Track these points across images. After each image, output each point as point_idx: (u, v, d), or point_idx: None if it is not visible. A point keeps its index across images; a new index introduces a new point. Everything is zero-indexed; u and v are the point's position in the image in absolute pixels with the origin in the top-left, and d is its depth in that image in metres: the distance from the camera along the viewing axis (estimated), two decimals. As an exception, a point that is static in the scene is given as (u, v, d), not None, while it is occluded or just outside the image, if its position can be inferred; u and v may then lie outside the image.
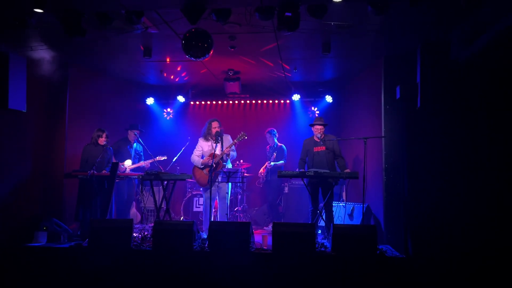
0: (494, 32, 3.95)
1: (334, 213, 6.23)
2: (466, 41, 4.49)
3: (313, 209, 6.07)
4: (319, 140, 6.22)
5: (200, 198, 7.85)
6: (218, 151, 6.28)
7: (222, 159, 6.29)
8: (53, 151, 6.57)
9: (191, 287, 4.81)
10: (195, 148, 6.58)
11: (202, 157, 6.45)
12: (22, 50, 5.64)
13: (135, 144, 7.31)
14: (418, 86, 5.07)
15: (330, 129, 7.15)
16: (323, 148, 6.19)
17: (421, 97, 5.01)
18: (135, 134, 7.15)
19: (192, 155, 6.54)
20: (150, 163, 7.25)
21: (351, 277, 4.64)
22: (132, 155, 7.24)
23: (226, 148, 6.24)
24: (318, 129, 6.21)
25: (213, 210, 6.68)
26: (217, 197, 6.50)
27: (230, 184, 6.40)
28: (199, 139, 6.59)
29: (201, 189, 6.68)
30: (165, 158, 7.43)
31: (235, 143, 6.26)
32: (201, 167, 6.40)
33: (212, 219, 6.25)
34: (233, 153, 6.50)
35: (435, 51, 4.97)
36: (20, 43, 5.54)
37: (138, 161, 7.31)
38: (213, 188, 6.24)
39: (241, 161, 7.94)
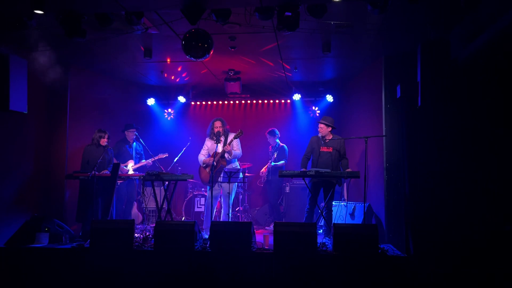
0: (494, 31, 3.94)
1: (335, 212, 6.22)
2: (466, 40, 4.49)
3: (310, 208, 6.02)
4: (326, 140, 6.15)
5: (201, 198, 7.88)
6: (219, 150, 6.33)
7: (224, 158, 6.30)
8: (54, 152, 6.59)
9: (192, 287, 4.82)
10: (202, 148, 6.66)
11: (208, 156, 6.52)
12: (23, 52, 5.65)
13: (134, 143, 7.33)
14: (419, 85, 5.06)
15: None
16: (330, 149, 6.09)
17: (421, 96, 5.00)
18: (135, 134, 7.18)
19: (199, 155, 6.62)
20: (152, 161, 7.27)
21: (352, 277, 4.64)
22: (134, 155, 7.25)
23: (226, 146, 6.27)
24: (319, 127, 6.17)
25: (215, 210, 6.70)
26: (221, 195, 6.55)
27: (235, 184, 6.41)
28: (206, 138, 6.66)
29: (202, 189, 6.72)
30: (167, 155, 7.48)
31: (232, 140, 6.30)
32: (203, 165, 6.46)
33: (213, 219, 6.27)
34: (237, 152, 6.49)
35: (435, 50, 4.96)
36: (21, 45, 5.55)
37: (139, 161, 7.33)
38: (216, 187, 6.30)
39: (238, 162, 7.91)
